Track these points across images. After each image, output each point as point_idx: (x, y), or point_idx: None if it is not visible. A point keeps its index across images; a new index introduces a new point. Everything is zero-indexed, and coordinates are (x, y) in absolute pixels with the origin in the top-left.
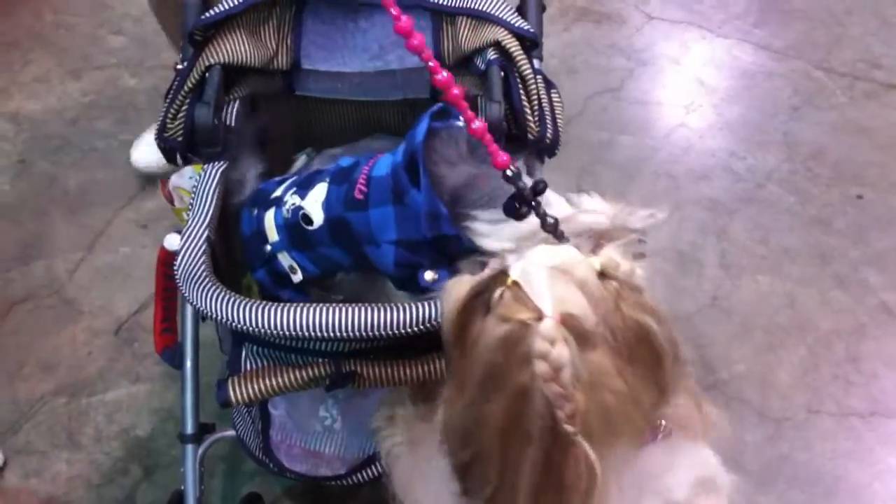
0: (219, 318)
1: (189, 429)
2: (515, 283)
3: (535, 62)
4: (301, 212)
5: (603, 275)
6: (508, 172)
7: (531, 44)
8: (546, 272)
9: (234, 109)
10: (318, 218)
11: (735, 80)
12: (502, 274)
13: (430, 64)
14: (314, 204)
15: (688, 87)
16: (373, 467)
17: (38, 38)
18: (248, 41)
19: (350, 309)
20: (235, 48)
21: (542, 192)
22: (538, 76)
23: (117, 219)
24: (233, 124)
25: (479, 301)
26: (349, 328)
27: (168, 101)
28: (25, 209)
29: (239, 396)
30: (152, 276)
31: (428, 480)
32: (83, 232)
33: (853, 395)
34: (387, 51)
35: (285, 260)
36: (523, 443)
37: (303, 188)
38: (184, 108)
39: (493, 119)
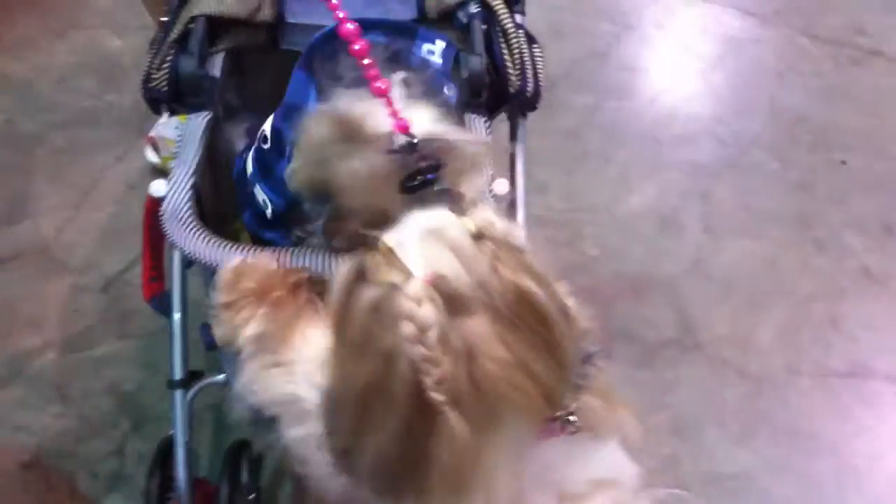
0: (202, 259)
1: (177, 374)
2: (389, 249)
3: (518, 17)
4: (262, 133)
5: (480, 236)
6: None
7: None
8: (418, 235)
9: (219, 61)
10: (269, 133)
11: (721, 46)
12: (377, 241)
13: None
14: (268, 122)
15: (674, 52)
16: None
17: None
18: None
19: (324, 254)
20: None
21: (438, 167)
22: (520, 30)
23: (104, 178)
24: (217, 76)
25: (357, 274)
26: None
27: (153, 52)
28: (12, 169)
29: (221, 335)
30: (139, 235)
31: None
32: (70, 191)
33: (832, 357)
34: (370, 4)
35: (259, 195)
36: (385, 409)
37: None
38: (168, 58)
39: (475, 72)
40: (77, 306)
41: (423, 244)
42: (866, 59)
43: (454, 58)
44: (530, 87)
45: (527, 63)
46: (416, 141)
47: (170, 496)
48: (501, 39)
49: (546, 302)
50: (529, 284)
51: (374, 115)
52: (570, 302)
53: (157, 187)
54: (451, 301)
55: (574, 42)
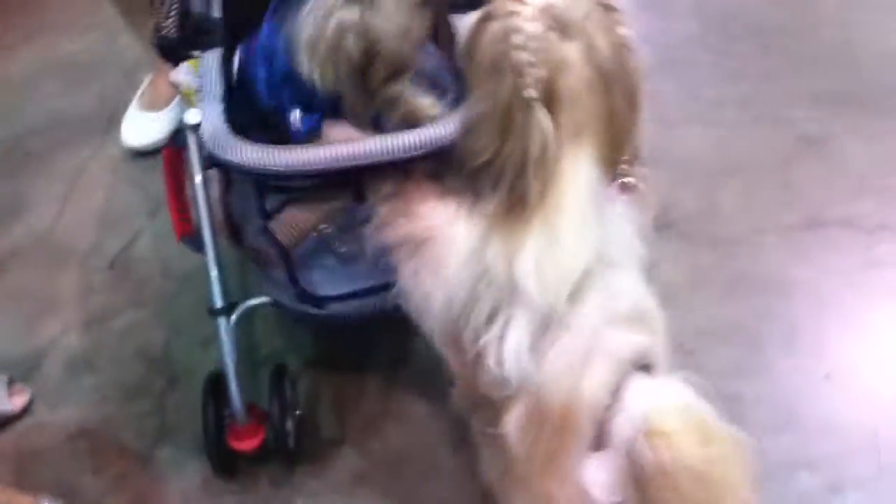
0: (250, 165)
1: (219, 303)
2: None
3: None
4: None
5: None
6: None
7: None
8: None
9: (218, 4)
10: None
11: None
12: None
13: None
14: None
15: None
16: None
17: None
18: None
19: (358, 142)
20: None
21: None
22: None
23: (86, 169)
24: (219, 16)
25: (484, 15)
26: (361, 157)
27: (157, 5)
28: None
29: (284, 237)
30: (134, 215)
31: None
32: (56, 185)
33: (790, 213)
34: None
35: None
36: (498, 112)
37: None
38: (174, 6)
39: None
40: (88, 286)
41: None
42: None
43: None
44: None
45: None
46: None
47: (227, 422)
48: None
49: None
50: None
51: None
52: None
53: (192, 116)
54: (557, 26)
55: None
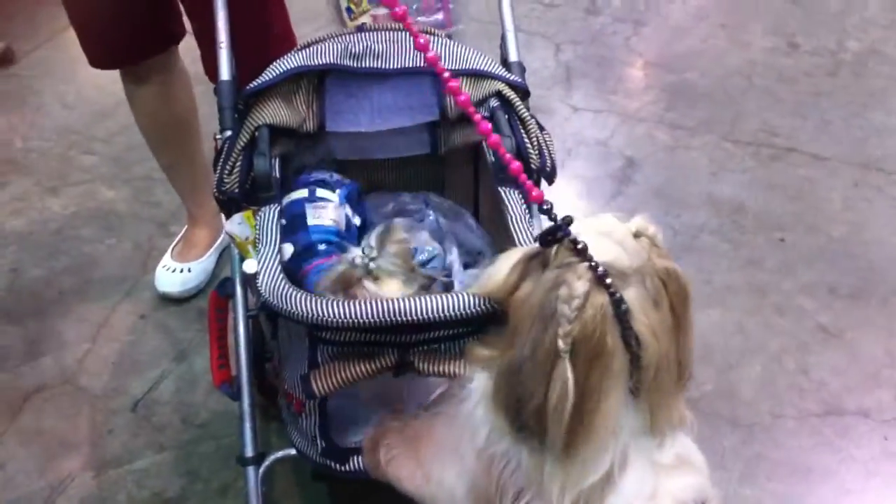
0: (308, 317)
1: (249, 452)
2: (571, 241)
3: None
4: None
5: (637, 235)
6: (544, 206)
7: (524, 94)
8: (594, 234)
9: (277, 163)
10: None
11: (659, 155)
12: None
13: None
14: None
15: (619, 163)
16: None
17: (11, 163)
18: (284, 107)
19: (409, 299)
20: (275, 112)
21: (571, 222)
22: (533, 118)
23: (116, 312)
24: (277, 175)
25: (535, 260)
26: (408, 314)
27: (221, 161)
28: (25, 311)
29: (321, 387)
30: (160, 360)
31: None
32: (85, 326)
33: (808, 400)
34: (393, 113)
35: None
36: (540, 358)
37: None
38: (238, 163)
39: (509, 150)
40: (109, 427)
41: (595, 239)
42: (784, 155)
43: None
44: (549, 163)
45: (542, 144)
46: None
47: None
48: (520, 126)
49: (685, 282)
50: (674, 265)
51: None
52: None
53: (250, 266)
54: (614, 277)
55: None
